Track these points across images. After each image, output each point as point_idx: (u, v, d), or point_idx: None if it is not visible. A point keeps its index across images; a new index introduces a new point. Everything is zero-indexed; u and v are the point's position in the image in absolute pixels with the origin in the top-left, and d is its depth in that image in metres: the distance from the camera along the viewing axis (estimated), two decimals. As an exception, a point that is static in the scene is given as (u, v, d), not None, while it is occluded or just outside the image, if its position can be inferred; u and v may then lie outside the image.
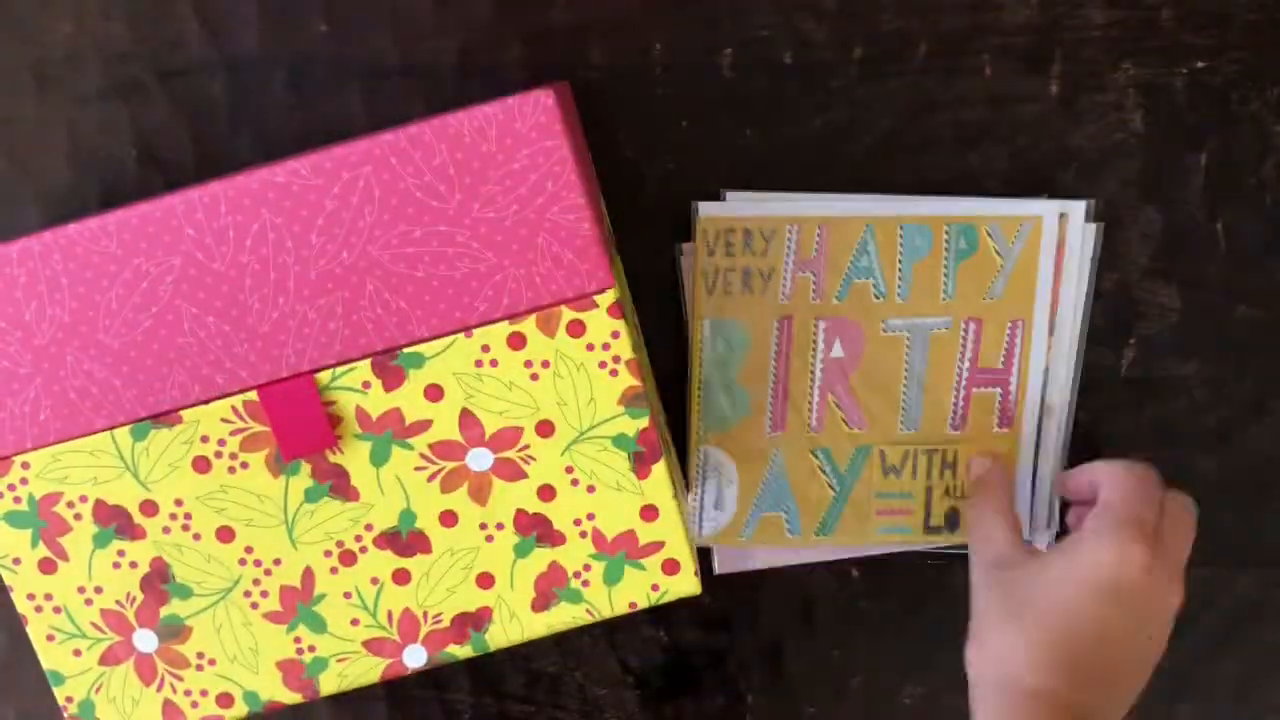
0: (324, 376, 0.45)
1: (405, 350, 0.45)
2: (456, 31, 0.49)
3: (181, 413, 0.46)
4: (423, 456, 0.46)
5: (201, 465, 0.46)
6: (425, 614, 0.48)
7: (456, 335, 0.45)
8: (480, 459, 0.46)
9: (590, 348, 0.45)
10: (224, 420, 0.46)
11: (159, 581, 0.48)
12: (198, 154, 0.50)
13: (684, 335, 0.53)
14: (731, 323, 0.52)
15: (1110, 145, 0.51)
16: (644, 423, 0.46)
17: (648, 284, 0.52)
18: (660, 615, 0.56)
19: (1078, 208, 0.51)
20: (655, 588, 0.47)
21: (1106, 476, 0.48)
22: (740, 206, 0.51)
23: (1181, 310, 0.52)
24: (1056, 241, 0.51)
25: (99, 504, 0.47)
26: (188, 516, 0.47)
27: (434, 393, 0.46)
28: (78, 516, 0.47)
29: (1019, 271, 0.51)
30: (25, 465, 0.46)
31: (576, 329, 0.45)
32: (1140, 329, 0.53)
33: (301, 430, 0.46)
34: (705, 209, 0.51)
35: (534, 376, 0.45)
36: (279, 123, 0.51)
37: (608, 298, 0.45)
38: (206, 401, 0.46)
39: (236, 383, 0.45)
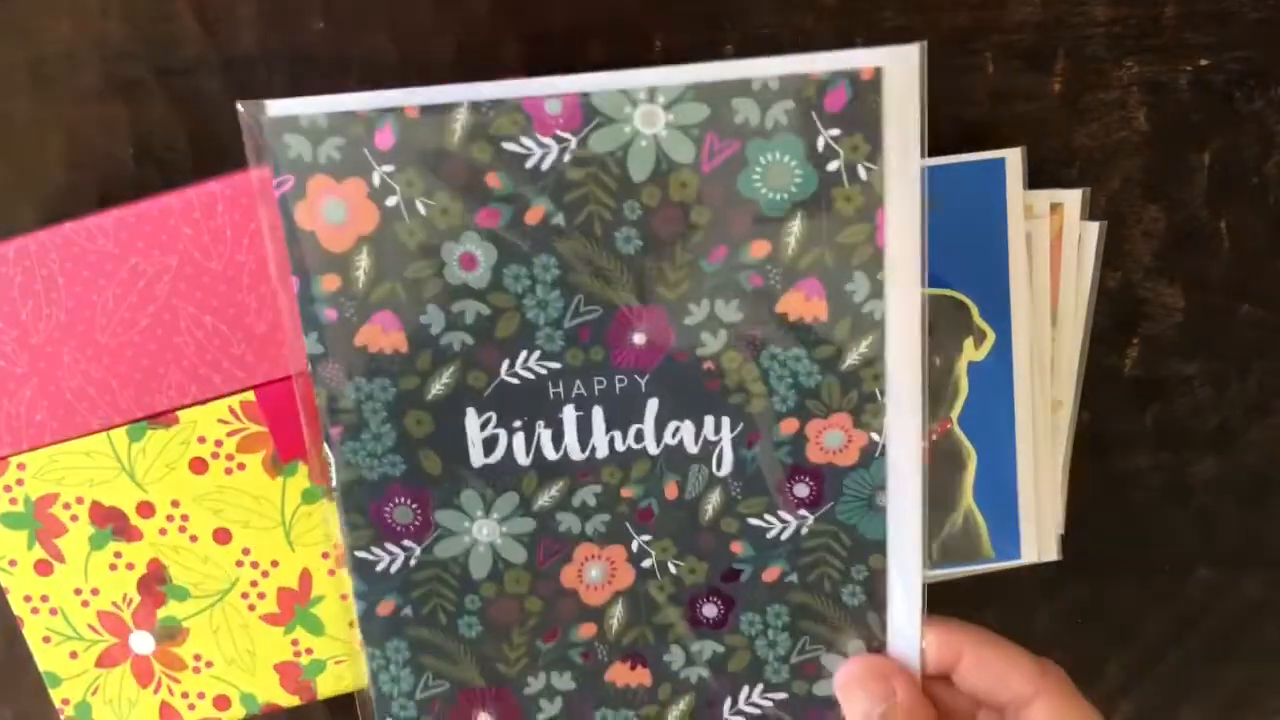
0: (322, 376, 0.45)
1: (403, 350, 0.45)
2: (455, 29, 0.49)
3: (178, 413, 0.45)
4: (421, 457, 0.46)
5: (198, 466, 0.46)
6: (424, 615, 0.48)
7: (455, 335, 0.45)
8: (479, 459, 0.46)
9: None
10: (221, 421, 0.46)
11: (156, 583, 0.47)
12: (195, 153, 0.50)
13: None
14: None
15: (1113, 144, 0.50)
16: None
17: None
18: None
19: (1073, 197, 0.50)
20: (655, 589, 0.47)
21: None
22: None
23: (1185, 309, 0.52)
24: (1051, 231, 0.51)
25: (95, 505, 0.46)
26: (184, 518, 0.47)
27: (432, 393, 0.45)
28: (74, 518, 0.46)
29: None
30: (21, 466, 0.46)
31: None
32: (1143, 328, 0.52)
33: (299, 431, 0.45)
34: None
35: (533, 376, 0.45)
36: (277, 122, 0.50)
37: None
38: (203, 402, 0.45)
39: (234, 383, 0.45)
